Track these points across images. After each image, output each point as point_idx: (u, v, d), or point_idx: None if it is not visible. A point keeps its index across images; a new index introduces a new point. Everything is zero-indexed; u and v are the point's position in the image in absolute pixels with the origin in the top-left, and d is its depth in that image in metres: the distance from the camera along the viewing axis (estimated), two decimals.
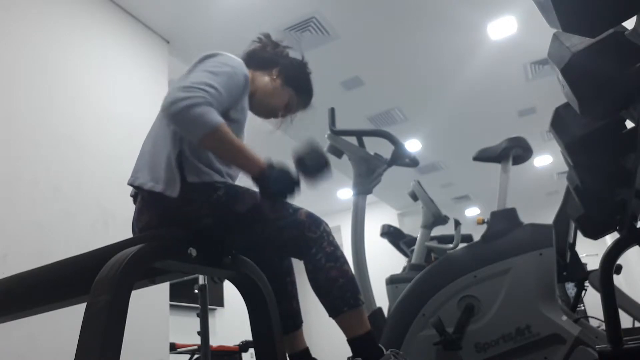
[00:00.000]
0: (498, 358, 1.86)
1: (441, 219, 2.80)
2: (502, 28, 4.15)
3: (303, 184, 1.26)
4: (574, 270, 2.65)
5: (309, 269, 1.31)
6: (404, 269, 2.93)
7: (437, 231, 2.93)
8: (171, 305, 3.33)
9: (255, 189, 1.26)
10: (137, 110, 3.34)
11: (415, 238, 2.89)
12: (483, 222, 2.42)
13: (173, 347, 3.56)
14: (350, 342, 1.30)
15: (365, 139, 2.35)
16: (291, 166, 1.26)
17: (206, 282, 2.28)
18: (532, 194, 7.86)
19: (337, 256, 1.31)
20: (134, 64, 3.50)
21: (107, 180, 2.96)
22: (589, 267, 2.89)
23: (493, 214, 2.16)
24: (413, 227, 5.27)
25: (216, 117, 1.20)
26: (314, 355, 1.52)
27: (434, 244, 2.80)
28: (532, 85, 5.02)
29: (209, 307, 2.30)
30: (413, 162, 2.41)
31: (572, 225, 2.53)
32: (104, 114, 3.12)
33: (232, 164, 1.25)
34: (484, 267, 1.98)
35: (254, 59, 1.56)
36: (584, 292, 3.02)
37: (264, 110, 1.58)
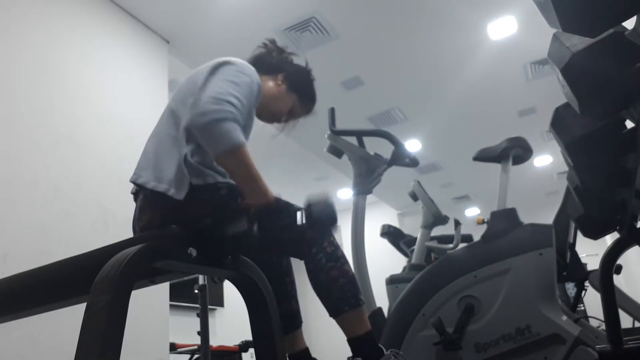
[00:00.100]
0: (498, 358, 1.86)
1: (441, 219, 2.81)
2: (502, 28, 4.15)
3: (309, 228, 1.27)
4: (574, 270, 2.65)
5: (310, 268, 1.31)
6: (404, 269, 2.93)
7: (437, 231, 2.93)
8: (171, 305, 3.33)
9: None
10: (137, 110, 3.34)
11: (415, 238, 2.90)
12: (483, 222, 2.43)
13: (173, 347, 3.56)
14: (351, 341, 1.31)
15: (365, 139, 2.35)
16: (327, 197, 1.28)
17: (206, 282, 2.28)
18: (532, 194, 7.86)
19: (337, 256, 1.31)
20: (134, 64, 3.50)
21: (107, 180, 2.96)
22: (589, 267, 2.89)
23: (493, 214, 2.16)
24: (413, 227, 5.26)
25: (240, 137, 1.20)
26: (314, 355, 1.52)
27: (434, 244, 2.80)
28: (532, 85, 5.02)
29: (209, 307, 2.31)
30: (413, 162, 2.41)
31: (572, 225, 2.53)
32: (104, 114, 3.12)
33: (242, 187, 1.24)
34: (484, 267, 1.98)
35: (260, 64, 1.57)
36: (584, 292, 3.01)
37: (268, 114, 1.59)
